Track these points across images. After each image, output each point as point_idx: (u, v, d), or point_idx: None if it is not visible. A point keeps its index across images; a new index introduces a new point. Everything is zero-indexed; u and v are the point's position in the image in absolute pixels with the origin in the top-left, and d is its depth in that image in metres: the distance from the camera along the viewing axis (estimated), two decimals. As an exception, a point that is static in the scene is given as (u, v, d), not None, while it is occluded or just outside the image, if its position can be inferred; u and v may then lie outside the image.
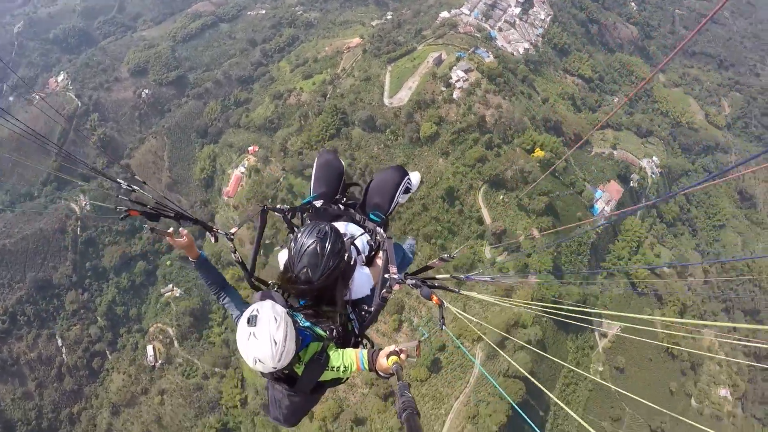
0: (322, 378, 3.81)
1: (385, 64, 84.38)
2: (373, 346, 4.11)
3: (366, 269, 4.73)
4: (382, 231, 5.19)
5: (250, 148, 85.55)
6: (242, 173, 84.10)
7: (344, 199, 5.68)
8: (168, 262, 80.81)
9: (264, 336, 3.28)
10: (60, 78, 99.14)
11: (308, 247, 3.71)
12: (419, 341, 3.82)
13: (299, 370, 3.70)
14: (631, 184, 78.50)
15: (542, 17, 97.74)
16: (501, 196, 68.71)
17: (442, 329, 4.57)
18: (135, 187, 4.67)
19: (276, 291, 4.03)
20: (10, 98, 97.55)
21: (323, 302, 4.00)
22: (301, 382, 3.73)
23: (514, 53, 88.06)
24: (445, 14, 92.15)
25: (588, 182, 75.06)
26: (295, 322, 3.61)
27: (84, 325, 74.79)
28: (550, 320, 63.46)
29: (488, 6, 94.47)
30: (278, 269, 4.23)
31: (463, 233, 67.28)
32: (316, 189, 5.61)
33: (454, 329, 61.03)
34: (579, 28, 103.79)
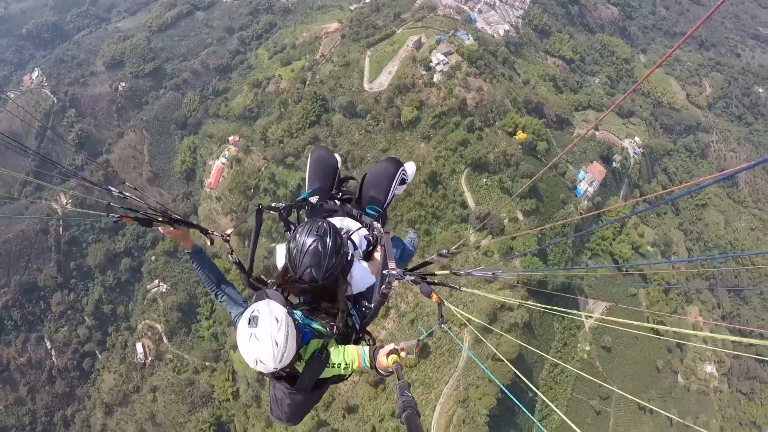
0: (323, 375, 3.77)
1: (365, 49, 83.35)
2: (374, 343, 4.14)
3: (364, 264, 4.70)
4: (379, 225, 5.17)
5: (231, 138, 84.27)
6: (223, 164, 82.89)
7: (340, 194, 5.62)
8: (153, 258, 79.69)
9: (265, 337, 3.26)
10: (35, 75, 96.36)
11: (310, 246, 3.66)
12: (418, 340, 3.87)
13: (300, 367, 3.66)
14: (614, 165, 78.50)
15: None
16: (484, 180, 68.32)
17: (441, 327, 4.52)
18: (127, 194, 4.43)
19: (275, 289, 3.93)
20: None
21: (324, 299, 3.97)
22: (302, 380, 3.67)
23: (495, 35, 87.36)
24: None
25: (571, 163, 74.85)
26: (294, 320, 3.54)
27: (72, 326, 73.94)
28: (537, 302, 63.58)
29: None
30: (274, 265, 4.32)
31: (447, 217, 66.98)
32: (311, 185, 5.57)
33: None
34: (559, 9, 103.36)
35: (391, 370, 3.58)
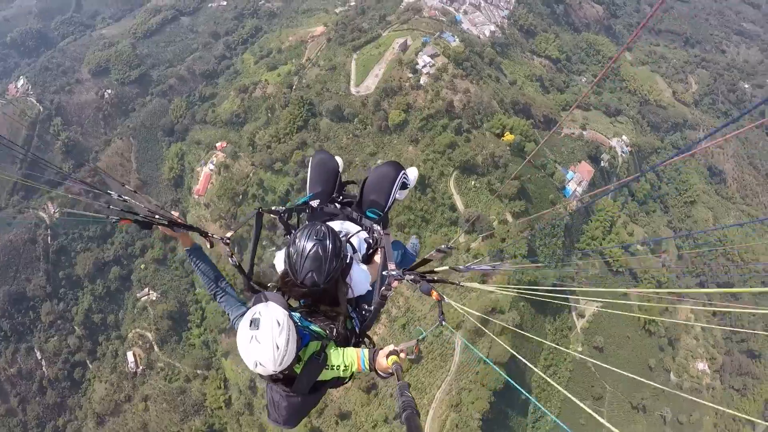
0: (322, 377, 3.75)
1: (351, 52, 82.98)
2: (374, 346, 4.13)
3: (363, 266, 4.70)
4: (379, 228, 5.17)
5: (218, 144, 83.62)
6: (211, 170, 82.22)
7: (341, 197, 5.69)
8: (142, 266, 78.98)
9: (266, 340, 3.26)
10: (20, 83, 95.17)
11: (310, 251, 3.69)
12: (417, 340, 3.83)
13: (298, 370, 3.62)
14: (602, 164, 78.70)
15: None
16: (472, 182, 68.22)
17: (442, 324, 4.45)
18: (126, 198, 4.52)
19: (276, 292, 3.86)
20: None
21: (324, 302, 4.00)
22: (300, 382, 3.63)
23: (481, 36, 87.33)
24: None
25: (559, 164, 74.94)
26: (294, 322, 3.52)
27: (62, 335, 73.05)
28: (528, 304, 63.64)
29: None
30: (273, 270, 4.33)
31: (436, 221, 66.83)
32: (312, 189, 5.64)
33: (433, 317, 60.90)
34: (545, 8, 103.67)
35: (390, 371, 3.58)
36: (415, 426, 2.86)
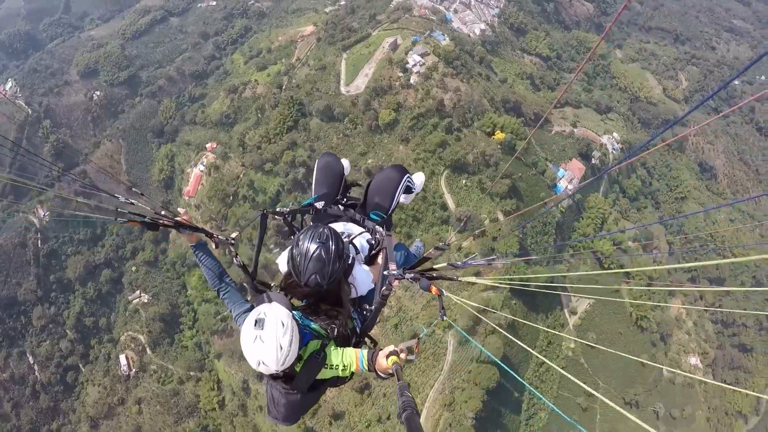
0: (321, 376, 3.78)
1: (340, 52, 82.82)
2: (375, 345, 4.21)
3: (366, 267, 4.74)
4: (381, 229, 5.25)
5: (208, 145, 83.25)
6: (202, 171, 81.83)
7: (345, 200, 5.75)
8: (133, 268, 78.56)
9: (270, 340, 3.32)
10: (8, 86, 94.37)
11: (313, 253, 3.73)
12: (418, 339, 3.84)
13: (298, 368, 3.66)
14: (593, 161, 78.73)
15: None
16: (463, 181, 68.15)
17: (443, 319, 4.53)
18: (132, 201, 4.57)
19: (279, 293, 3.98)
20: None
21: (326, 302, 4.03)
22: (299, 379, 3.66)
23: (471, 35, 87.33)
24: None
25: (550, 161, 74.95)
26: (296, 321, 3.59)
27: (54, 339, 72.70)
28: (520, 302, 63.71)
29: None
30: (278, 271, 4.37)
31: (427, 220, 66.74)
32: (317, 190, 5.70)
33: (425, 316, 60.90)
34: (535, 6, 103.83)
35: (391, 371, 3.59)
36: (415, 426, 2.87)
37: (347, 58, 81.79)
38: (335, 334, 3.92)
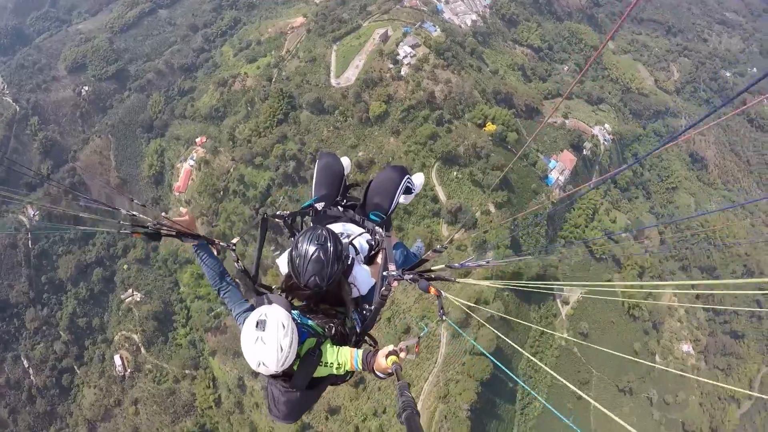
0: (317, 374, 3.81)
1: (330, 44, 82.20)
2: (376, 344, 4.26)
3: (365, 267, 4.76)
4: (380, 230, 5.24)
5: (198, 140, 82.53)
6: (192, 166, 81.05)
7: (345, 200, 5.73)
8: (125, 266, 77.79)
9: (271, 342, 3.37)
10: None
11: (312, 255, 3.77)
12: (418, 338, 3.85)
13: (296, 366, 3.69)
14: (584, 153, 78.79)
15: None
16: (454, 173, 67.90)
17: (443, 319, 4.57)
18: (135, 213, 4.59)
19: (279, 294, 4.09)
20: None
21: (327, 302, 4.10)
22: (297, 377, 3.70)
23: (462, 26, 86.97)
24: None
25: (541, 153, 74.86)
26: (293, 319, 3.63)
27: (48, 342, 71.95)
28: (512, 294, 63.72)
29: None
30: (279, 274, 4.43)
31: (418, 212, 66.46)
32: (317, 192, 5.69)
33: (417, 309, 60.82)
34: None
35: (390, 371, 3.60)
36: (415, 426, 2.88)
37: (337, 50, 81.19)
38: (332, 332, 3.96)
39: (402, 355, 3.63)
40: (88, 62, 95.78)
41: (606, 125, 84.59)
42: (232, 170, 76.51)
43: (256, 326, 3.41)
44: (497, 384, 59.46)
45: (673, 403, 66.43)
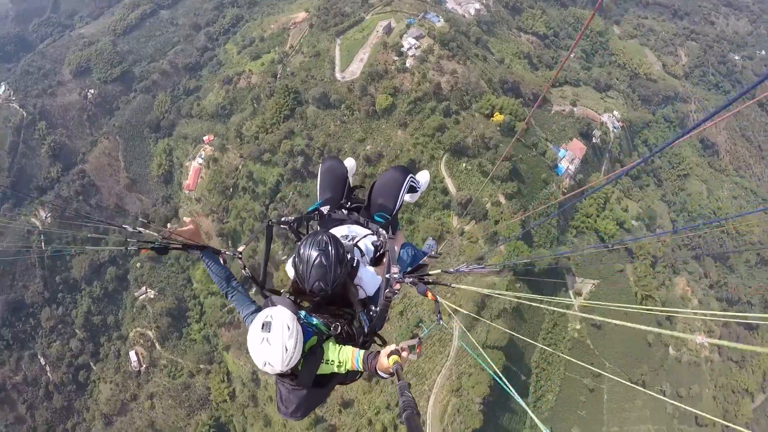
0: (321, 372, 3.85)
1: (334, 38, 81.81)
2: (384, 344, 4.15)
3: (371, 269, 4.81)
4: (384, 232, 5.23)
5: (206, 138, 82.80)
6: (200, 164, 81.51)
7: (349, 203, 5.77)
8: (138, 265, 78.57)
9: (277, 342, 3.46)
10: (1, 90, 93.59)
11: (314, 260, 3.84)
12: (420, 338, 3.91)
13: (300, 364, 3.74)
14: (594, 141, 77.84)
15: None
16: (463, 164, 67.36)
17: (439, 323, 4.72)
18: (140, 229, 4.75)
19: (286, 297, 4.12)
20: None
21: (334, 304, 4.15)
22: (301, 375, 3.75)
23: (466, 15, 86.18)
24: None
25: (550, 142, 74.03)
26: (299, 319, 3.72)
27: (64, 340, 73.53)
28: (525, 285, 63.25)
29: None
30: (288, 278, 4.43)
31: (428, 205, 66.12)
32: (321, 195, 5.78)
33: (430, 303, 60.41)
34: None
35: (392, 371, 3.61)
36: (415, 426, 2.89)
37: (341, 44, 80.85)
38: (338, 331, 3.99)
39: (404, 354, 3.64)
40: (93, 65, 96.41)
41: (615, 112, 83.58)
42: (240, 167, 76.67)
43: (262, 328, 3.50)
44: (510, 377, 59.13)
45: (686, 396, 65.74)
